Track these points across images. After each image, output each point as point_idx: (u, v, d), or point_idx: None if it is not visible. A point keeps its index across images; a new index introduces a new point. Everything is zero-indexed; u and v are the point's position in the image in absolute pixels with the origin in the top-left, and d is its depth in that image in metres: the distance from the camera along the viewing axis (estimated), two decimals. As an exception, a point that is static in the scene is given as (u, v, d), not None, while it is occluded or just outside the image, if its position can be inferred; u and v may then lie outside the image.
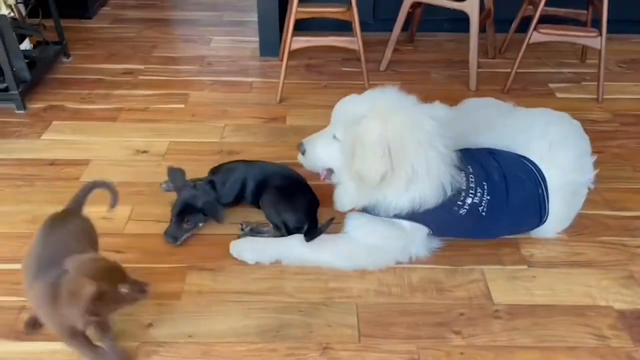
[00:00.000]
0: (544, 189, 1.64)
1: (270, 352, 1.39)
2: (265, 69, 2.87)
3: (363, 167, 1.47)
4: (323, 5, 2.52)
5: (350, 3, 2.41)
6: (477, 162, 1.64)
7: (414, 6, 2.74)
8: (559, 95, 2.66)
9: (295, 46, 2.45)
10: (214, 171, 1.85)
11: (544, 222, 1.69)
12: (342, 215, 1.68)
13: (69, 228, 1.33)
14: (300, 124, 2.36)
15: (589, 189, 1.74)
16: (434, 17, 3.12)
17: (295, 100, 2.55)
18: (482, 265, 1.66)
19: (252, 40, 3.07)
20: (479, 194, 1.59)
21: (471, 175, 1.59)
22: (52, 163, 2.06)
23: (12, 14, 2.41)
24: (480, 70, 2.69)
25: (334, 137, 1.59)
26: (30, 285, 1.23)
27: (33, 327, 1.38)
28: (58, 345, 1.31)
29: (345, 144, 1.53)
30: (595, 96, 2.60)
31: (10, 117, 2.35)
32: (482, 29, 2.68)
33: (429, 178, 1.49)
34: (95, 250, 1.37)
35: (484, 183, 1.60)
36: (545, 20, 2.55)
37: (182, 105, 2.49)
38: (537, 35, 2.51)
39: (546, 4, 2.47)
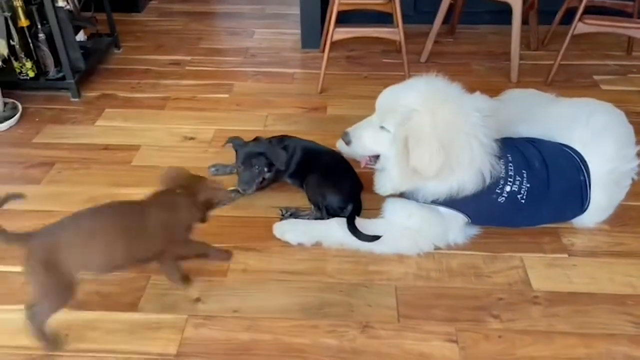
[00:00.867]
0: (586, 175, 1.63)
1: (312, 328, 1.44)
2: (306, 60, 2.92)
3: (421, 163, 1.50)
4: (365, -3, 2.55)
5: (392, -6, 2.43)
6: (517, 150, 1.65)
7: (455, -2, 2.75)
8: (603, 87, 2.62)
9: (337, 37, 2.49)
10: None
11: (586, 209, 1.68)
12: (380, 200, 1.72)
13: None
14: (340, 113, 2.41)
15: (632, 179, 1.72)
16: (475, 9, 3.11)
17: (336, 91, 2.60)
18: (521, 253, 1.67)
19: (293, 33, 3.13)
20: (517, 182, 1.60)
21: (510, 164, 1.61)
22: (106, 148, 2.18)
23: (68, 7, 2.54)
24: (522, 62, 2.66)
25: (381, 127, 1.61)
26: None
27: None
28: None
29: (398, 140, 1.55)
30: (641, 89, 2.56)
31: (67, 105, 2.48)
32: (524, 21, 2.65)
33: (470, 167, 1.52)
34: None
35: (524, 171, 1.61)
36: (590, 11, 2.50)
37: (227, 95, 2.57)
38: (582, 26, 2.47)
39: (592, -5, 2.43)
